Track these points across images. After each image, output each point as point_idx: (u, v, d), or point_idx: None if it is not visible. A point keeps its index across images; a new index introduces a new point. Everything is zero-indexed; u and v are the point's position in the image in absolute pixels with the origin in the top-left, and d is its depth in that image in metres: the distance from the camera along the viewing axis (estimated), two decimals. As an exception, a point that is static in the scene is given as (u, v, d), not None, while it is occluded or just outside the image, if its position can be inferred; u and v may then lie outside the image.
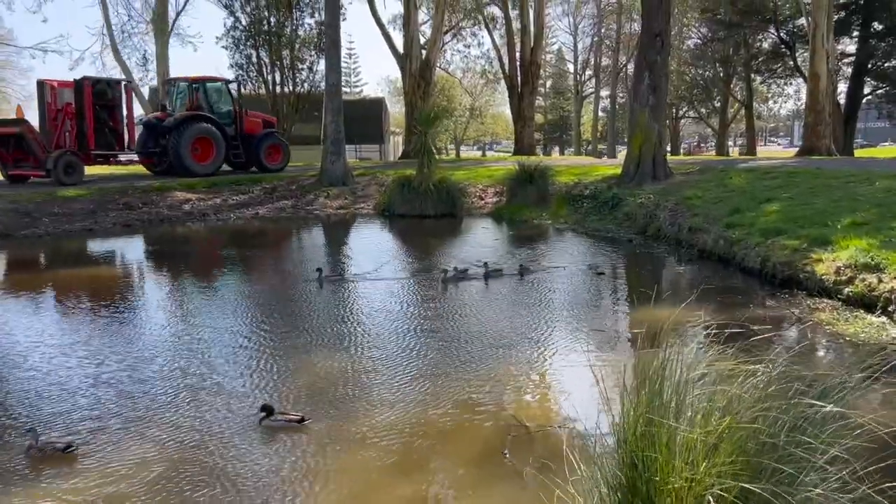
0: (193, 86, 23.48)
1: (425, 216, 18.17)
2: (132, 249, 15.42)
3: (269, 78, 37.71)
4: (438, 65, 42.45)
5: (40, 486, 4.59)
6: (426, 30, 39.57)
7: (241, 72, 37.49)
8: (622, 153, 50.69)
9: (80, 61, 71.42)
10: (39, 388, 6.26)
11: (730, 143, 61.52)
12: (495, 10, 41.52)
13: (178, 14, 34.57)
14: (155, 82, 34.18)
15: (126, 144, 22.57)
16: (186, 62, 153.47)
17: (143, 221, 17.72)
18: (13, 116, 21.96)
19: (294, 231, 17.63)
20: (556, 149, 78.29)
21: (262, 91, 37.95)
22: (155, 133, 22.84)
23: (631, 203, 15.93)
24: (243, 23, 36.86)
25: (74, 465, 4.83)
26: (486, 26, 41.86)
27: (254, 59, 37.44)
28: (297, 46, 37.25)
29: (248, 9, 36.76)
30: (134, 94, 23.50)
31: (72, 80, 21.47)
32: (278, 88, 37.58)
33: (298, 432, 5.23)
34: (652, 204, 15.26)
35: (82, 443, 5.11)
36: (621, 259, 12.96)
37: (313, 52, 36.59)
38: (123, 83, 23.31)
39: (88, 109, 21.08)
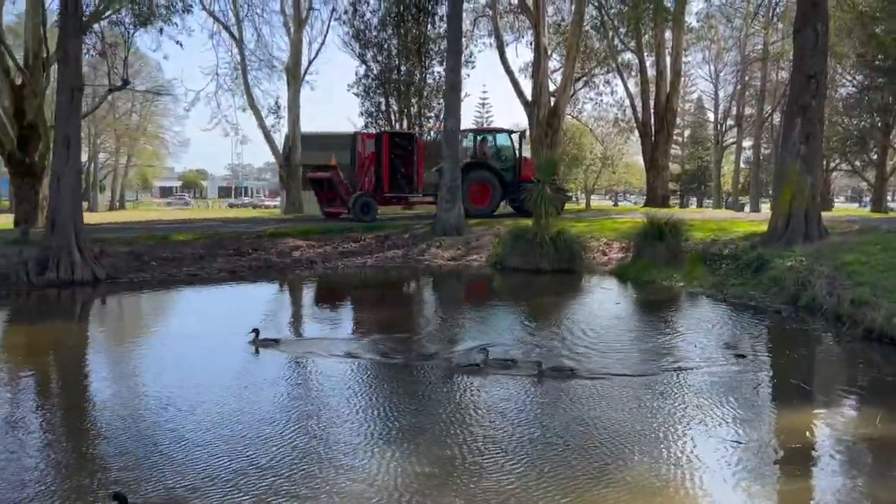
0: (479, 136, 26.08)
1: (540, 271, 16.69)
2: (226, 300, 14.90)
3: (397, 125, 37.90)
4: (568, 112, 41.13)
5: None
6: (557, 77, 38.57)
7: (370, 118, 37.94)
8: (766, 207, 47.09)
9: (196, 102, 75.13)
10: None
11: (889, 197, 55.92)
12: (629, 57, 39.89)
13: (310, 62, 35.20)
14: (287, 129, 34.85)
15: (415, 188, 24.99)
16: (317, 108, 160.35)
17: (250, 268, 17.28)
18: (329, 163, 25.08)
19: (396, 284, 16.68)
20: (694, 200, 74.45)
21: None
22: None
23: (779, 266, 13.70)
24: (374, 71, 37.36)
25: None
26: (620, 73, 40.22)
27: (382, 107, 37.82)
28: (425, 94, 37.28)
29: (380, 58, 37.24)
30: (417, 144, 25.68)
31: (374, 133, 25.41)
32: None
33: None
34: (804, 268, 13.01)
35: None
36: (767, 336, 10.86)
37: (441, 101, 36.21)
38: (415, 135, 26.33)
39: (385, 157, 24.08)
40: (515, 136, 26.08)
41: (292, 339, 10.49)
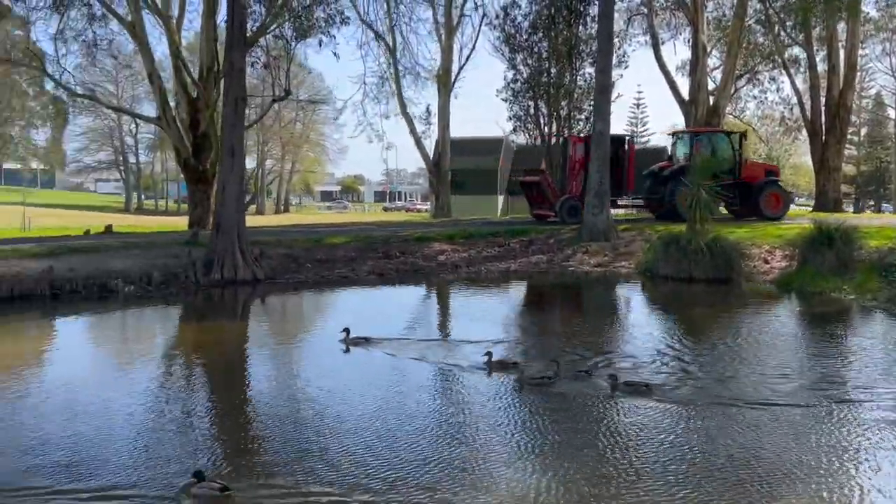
0: (696, 137, 25.05)
1: (693, 279, 15.83)
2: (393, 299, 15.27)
3: (546, 129, 37.53)
4: (729, 111, 39.05)
5: None
6: (717, 75, 36.72)
7: (518, 123, 37.83)
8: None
9: (343, 110, 77.43)
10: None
11: None
12: (797, 51, 37.25)
13: (460, 68, 35.59)
14: (437, 135, 35.48)
15: (624, 191, 24.99)
16: (461, 113, 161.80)
17: (397, 271, 17.66)
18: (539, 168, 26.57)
19: (538, 289, 16.41)
20: (871, 204, 68.36)
21: (538, 141, 37.88)
22: (657, 181, 24.37)
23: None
24: (524, 75, 37.21)
25: None
26: (786, 68, 37.61)
27: (531, 111, 37.58)
28: (575, 97, 36.67)
29: (530, 61, 37.03)
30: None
31: (583, 136, 25.09)
32: (554, 139, 37.25)
33: None
34: None
35: None
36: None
37: (592, 103, 35.49)
38: (627, 138, 25.96)
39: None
40: (735, 137, 24.96)
41: (392, 338, 10.54)
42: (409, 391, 8.09)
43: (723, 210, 23.40)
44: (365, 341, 10.08)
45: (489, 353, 8.88)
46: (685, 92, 33.36)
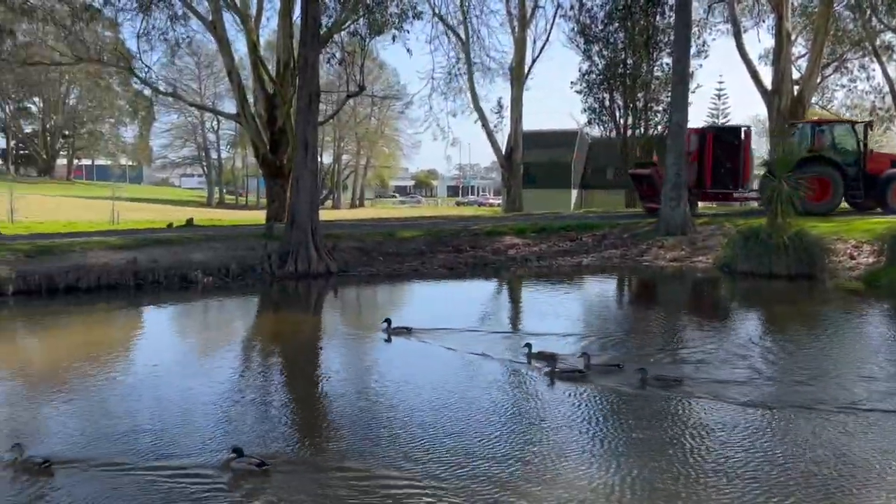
0: (818, 128, 24.19)
1: (774, 276, 15.25)
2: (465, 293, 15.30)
3: (622, 121, 36.87)
4: (815, 101, 37.46)
5: None
6: (802, 63, 35.26)
7: (593, 115, 37.30)
8: None
9: (410, 104, 76.84)
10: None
11: None
12: (889, 37, 35.42)
13: (533, 61, 35.26)
14: (509, 128, 35.27)
15: (739, 183, 24.26)
16: (532, 106, 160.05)
17: (467, 265, 17.67)
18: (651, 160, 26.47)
19: (612, 285, 16.12)
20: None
21: (613, 134, 37.25)
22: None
23: None
24: (599, 67, 36.63)
25: None
26: (877, 56, 35.82)
27: (606, 103, 36.97)
28: (652, 88, 35.89)
29: (606, 52, 36.43)
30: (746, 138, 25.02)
31: (698, 128, 24.61)
32: (629, 131, 36.56)
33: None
34: None
35: None
36: None
37: (669, 94, 34.67)
38: (744, 129, 25.19)
39: (708, 153, 23.53)
40: (860, 128, 23.81)
41: (436, 329, 10.58)
42: (478, 384, 8.06)
43: (845, 203, 22.99)
44: (406, 331, 10.28)
45: (528, 345, 8.92)
46: (768, 82, 32.14)
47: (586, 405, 7.30)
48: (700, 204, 23.55)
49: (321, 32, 20.03)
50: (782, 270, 15.32)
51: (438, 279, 16.39)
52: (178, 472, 5.66)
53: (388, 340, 10.12)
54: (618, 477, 5.51)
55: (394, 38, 26.52)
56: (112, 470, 5.70)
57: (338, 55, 26.98)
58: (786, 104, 30.86)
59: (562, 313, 12.65)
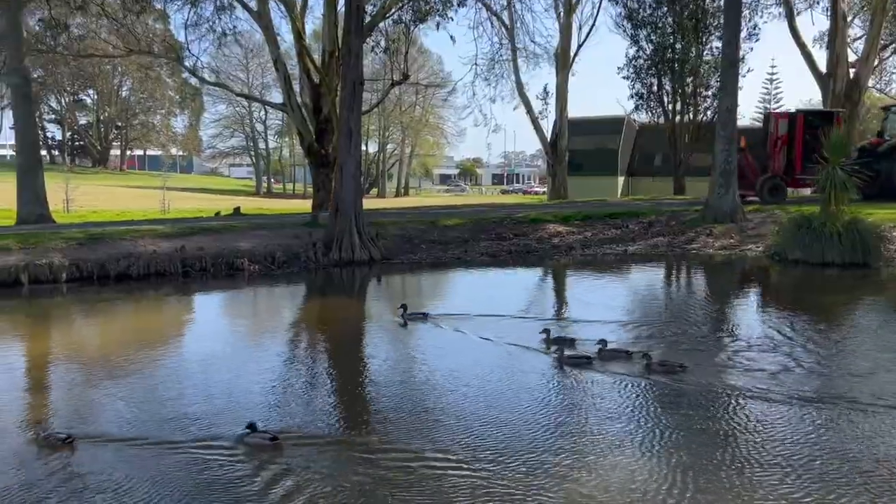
0: None
1: (827, 264, 14.82)
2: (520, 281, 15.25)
3: (670, 107, 36.22)
4: (872, 84, 36.25)
5: None
6: (858, 46, 34.10)
7: (640, 101, 36.71)
8: None
9: (453, 91, 75.79)
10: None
11: None
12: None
13: (579, 46, 34.77)
14: (554, 115, 34.91)
15: None
16: (576, 93, 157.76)
17: (510, 253, 17.57)
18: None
19: (658, 273, 15.86)
20: None
21: (661, 120, 36.62)
22: (868, 158, 23.22)
23: None
24: (647, 51, 36.01)
25: None
26: (940, 35, 34.48)
27: (654, 88, 36.34)
28: (701, 72, 35.14)
29: (654, 37, 35.79)
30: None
31: (787, 112, 24.55)
32: (678, 117, 35.90)
33: None
34: None
35: None
36: None
37: (719, 78, 33.92)
38: (837, 113, 24.48)
39: (798, 138, 23.04)
40: None
41: (452, 314, 10.77)
42: (515, 374, 8.00)
43: None
44: (423, 317, 10.52)
45: (547, 331, 8.98)
46: (822, 65, 31.19)
47: (641, 398, 7.19)
48: (790, 190, 23.18)
49: (365, 21, 20.05)
50: (835, 258, 14.90)
51: (481, 267, 16.33)
52: (224, 450, 5.85)
53: (404, 325, 10.34)
54: (664, 469, 5.42)
55: (438, 25, 26.41)
56: (159, 447, 5.94)
57: (382, 43, 27.00)
58: (841, 88, 29.95)
59: (602, 302, 12.44)
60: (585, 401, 7.01)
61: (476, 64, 34.77)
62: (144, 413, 6.83)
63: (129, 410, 6.92)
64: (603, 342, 8.43)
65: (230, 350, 9.58)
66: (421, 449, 5.81)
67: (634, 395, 7.14)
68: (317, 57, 27.75)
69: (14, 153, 35.59)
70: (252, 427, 6.02)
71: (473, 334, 9.59)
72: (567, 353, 8.27)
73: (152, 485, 5.25)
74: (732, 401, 6.97)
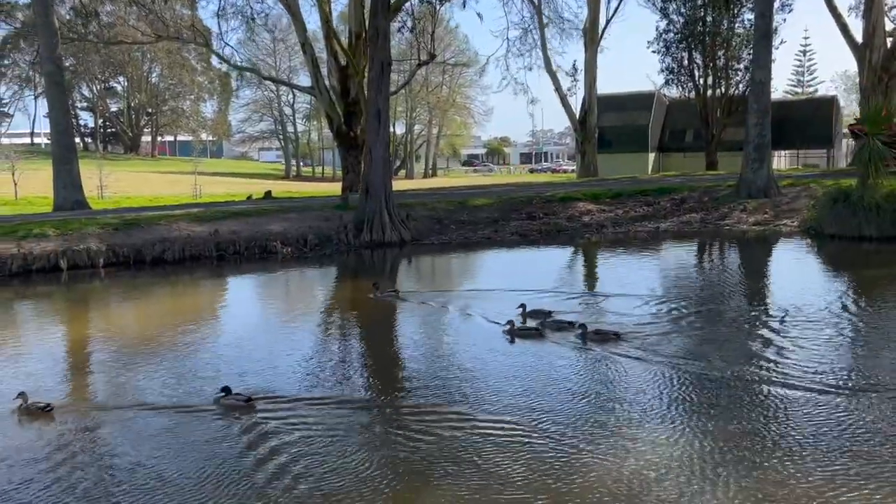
0: None
1: (864, 238, 14.56)
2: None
3: (701, 81, 35.67)
4: (910, 54, 35.19)
5: None
6: (896, 14, 33.16)
7: (671, 75, 36.20)
8: None
9: (485, 67, 74.86)
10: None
11: None
12: None
13: (607, 21, 34.27)
14: (583, 91, 34.54)
15: None
16: (612, 69, 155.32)
17: (540, 232, 17.51)
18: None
19: (690, 249, 15.70)
20: None
21: (692, 95, 36.07)
22: None
23: None
24: (677, 25, 35.44)
25: None
26: (984, 0, 33.36)
27: (685, 62, 35.78)
28: (733, 45, 34.52)
29: (684, 10, 35.20)
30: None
31: None
32: (710, 91, 35.36)
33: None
34: None
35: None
36: None
37: (751, 52, 33.29)
38: None
39: None
40: None
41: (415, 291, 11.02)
42: (539, 354, 8.02)
43: None
44: (395, 293, 11.17)
45: (523, 305, 9.37)
46: (859, 35, 30.39)
47: (670, 388, 7.16)
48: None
49: (392, 1, 19.96)
50: (873, 232, 14.65)
51: (511, 247, 16.31)
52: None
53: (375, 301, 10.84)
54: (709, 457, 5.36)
55: (464, 3, 26.23)
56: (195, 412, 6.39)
57: (409, 23, 26.87)
58: (878, 58, 29.21)
59: (631, 279, 12.34)
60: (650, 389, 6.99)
61: (507, 38, 34.26)
62: (183, 388, 7.15)
63: (166, 384, 7.29)
64: (549, 313, 9.01)
65: (267, 329, 9.82)
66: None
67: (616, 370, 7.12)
68: (343, 39, 27.68)
69: (49, 141, 36.15)
70: (226, 390, 6.51)
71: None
72: (518, 325, 8.73)
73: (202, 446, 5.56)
74: (770, 391, 6.89)
